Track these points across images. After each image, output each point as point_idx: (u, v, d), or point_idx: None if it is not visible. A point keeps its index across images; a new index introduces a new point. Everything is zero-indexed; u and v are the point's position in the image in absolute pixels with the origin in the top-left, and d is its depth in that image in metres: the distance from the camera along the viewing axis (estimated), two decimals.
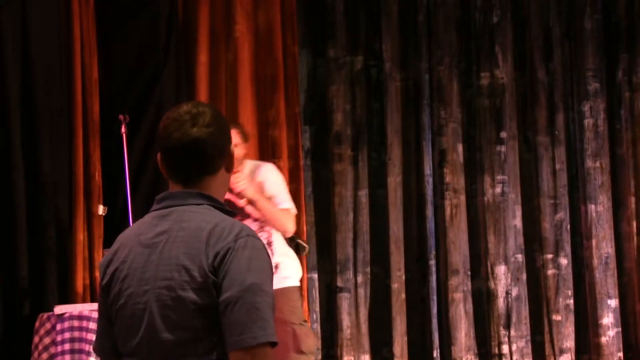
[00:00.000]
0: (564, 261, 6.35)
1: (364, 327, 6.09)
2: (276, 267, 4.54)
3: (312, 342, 4.74)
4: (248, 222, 4.50)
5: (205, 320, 2.22)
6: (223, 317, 2.19)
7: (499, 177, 6.33)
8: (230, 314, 2.19)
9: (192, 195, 2.33)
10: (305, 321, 4.79)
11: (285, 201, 4.61)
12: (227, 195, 4.50)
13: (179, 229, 2.30)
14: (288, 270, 4.68)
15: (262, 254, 2.26)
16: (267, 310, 2.20)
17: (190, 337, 2.22)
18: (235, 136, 4.50)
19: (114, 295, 2.33)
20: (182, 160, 2.33)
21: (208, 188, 2.35)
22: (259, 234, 4.48)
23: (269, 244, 4.59)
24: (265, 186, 4.57)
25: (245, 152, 4.62)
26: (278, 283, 4.57)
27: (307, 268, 5.92)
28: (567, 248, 6.36)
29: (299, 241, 4.89)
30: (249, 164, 4.65)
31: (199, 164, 2.33)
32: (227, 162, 2.38)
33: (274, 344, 2.20)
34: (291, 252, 4.77)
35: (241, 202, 4.49)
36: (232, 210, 2.40)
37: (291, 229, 4.61)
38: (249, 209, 4.50)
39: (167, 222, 2.32)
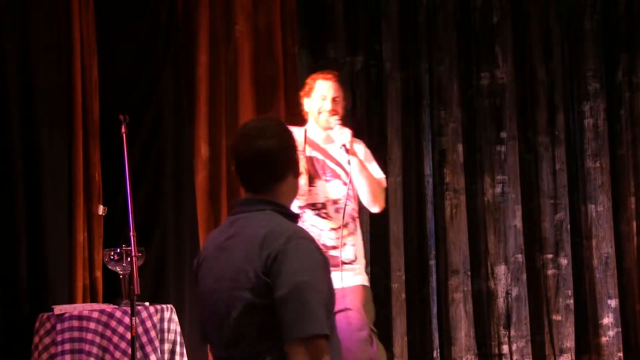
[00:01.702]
0: (564, 261, 6.35)
1: None
2: (355, 258, 4.27)
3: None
4: (334, 185, 4.29)
5: (262, 318, 2.45)
6: (278, 314, 2.42)
7: (499, 177, 6.33)
8: (284, 310, 2.41)
9: (257, 202, 2.60)
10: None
11: (379, 171, 4.38)
12: (328, 148, 4.29)
13: (242, 234, 2.57)
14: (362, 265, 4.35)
15: (314, 254, 2.48)
16: (317, 306, 2.40)
17: (249, 334, 2.47)
18: (337, 88, 4.33)
19: (199, 291, 2.68)
20: (250, 170, 2.63)
21: (275, 194, 2.62)
22: (346, 205, 4.16)
23: (354, 219, 4.28)
24: (365, 157, 4.34)
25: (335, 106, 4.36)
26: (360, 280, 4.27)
27: None
28: (567, 248, 6.36)
29: None
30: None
31: (265, 173, 2.61)
32: (293, 169, 2.67)
33: (326, 337, 2.40)
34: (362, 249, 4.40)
35: (345, 157, 4.24)
36: (294, 214, 2.67)
37: (382, 204, 4.35)
38: (347, 167, 4.24)
39: (234, 228, 2.61)
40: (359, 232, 4.39)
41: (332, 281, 2.55)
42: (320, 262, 2.49)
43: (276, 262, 2.45)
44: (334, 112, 4.38)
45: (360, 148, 4.42)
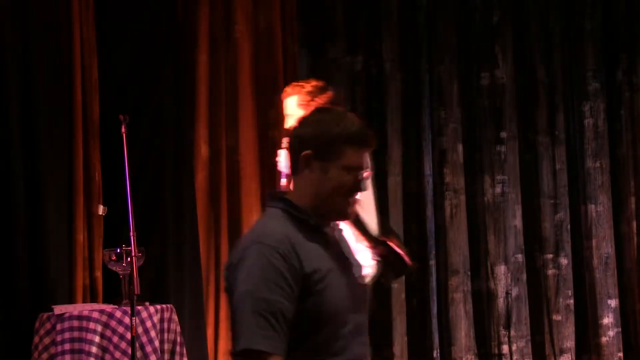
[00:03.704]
0: (564, 261, 6.35)
1: None
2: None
3: None
4: None
5: None
6: None
7: (499, 177, 6.33)
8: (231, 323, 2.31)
9: (273, 197, 2.47)
10: None
11: None
12: None
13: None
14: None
15: (264, 260, 2.27)
16: (253, 317, 2.21)
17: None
18: (289, 106, 4.13)
19: None
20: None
21: (294, 188, 2.45)
22: None
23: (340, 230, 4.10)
24: None
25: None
26: None
27: None
28: (567, 248, 6.36)
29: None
30: None
31: (290, 164, 2.47)
32: (314, 163, 2.39)
33: (260, 351, 2.20)
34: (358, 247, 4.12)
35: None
36: (304, 216, 2.40)
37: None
38: None
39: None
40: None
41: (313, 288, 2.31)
42: (271, 267, 2.26)
43: (233, 271, 2.31)
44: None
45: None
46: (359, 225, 4.10)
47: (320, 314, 2.29)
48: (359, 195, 2.60)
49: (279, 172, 4.34)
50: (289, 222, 2.37)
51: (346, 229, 4.04)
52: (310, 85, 4.31)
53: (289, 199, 2.41)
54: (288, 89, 4.33)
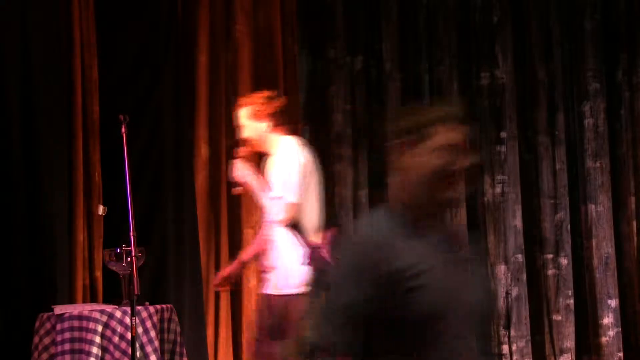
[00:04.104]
0: (564, 261, 6.34)
1: None
2: (267, 268, 4.27)
3: None
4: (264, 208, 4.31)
5: None
6: None
7: (499, 177, 6.33)
8: None
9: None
10: None
11: (276, 188, 4.23)
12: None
13: None
14: (275, 275, 4.28)
15: (350, 255, 2.23)
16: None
17: None
18: (239, 118, 4.27)
19: None
20: None
21: (396, 185, 2.32)
22: (269, 227, 4.25)
23: (270, 239, 4.26)
24: (269, 171, 4.32)
25: (256, 133, 4.29)
26: (266, 288, 4.27)
27: None
28: (567, 248, 6.36)
29: None
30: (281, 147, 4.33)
31: None
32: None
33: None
34: (291, 257, 4.22)
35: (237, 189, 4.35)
36: (405, 213, 2.27)
37: (279, 217, 4.19)
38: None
39: None
40: (276, 242, 4.30)
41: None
42: (354, 266, 2.21)
43: None
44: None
45: (272, 164, 4.36)
46: (294, 228, 4.10)
47: (412, 314, 2.18)
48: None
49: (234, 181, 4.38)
50: (393, 220, 2.26)
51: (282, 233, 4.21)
52: (260, 96, 4.44)
53: (395, 196, 2.29)
54: (240, 101, 4.43)
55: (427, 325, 2.19)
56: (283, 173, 4.26)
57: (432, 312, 2.19)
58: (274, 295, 4.23)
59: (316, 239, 4.20)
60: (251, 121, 4.30)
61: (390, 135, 2.29)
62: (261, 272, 4.38)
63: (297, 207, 4.24)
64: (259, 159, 4.50)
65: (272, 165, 4.31)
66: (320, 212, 4.41)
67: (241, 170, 4.32)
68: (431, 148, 2.26)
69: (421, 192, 2.27)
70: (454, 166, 2.28)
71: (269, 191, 4.25)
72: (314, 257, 4.12)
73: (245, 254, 4.48)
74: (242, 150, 4.39)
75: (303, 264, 4.15)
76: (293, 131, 4.58)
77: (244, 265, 4.52)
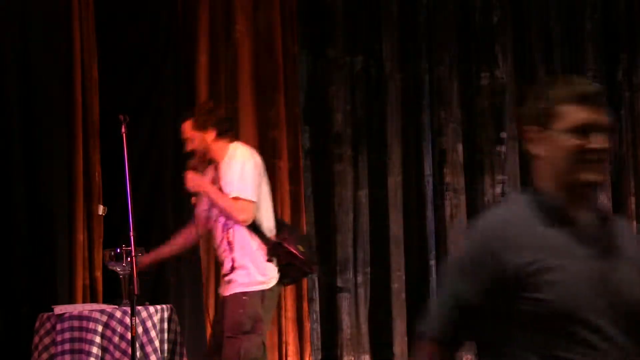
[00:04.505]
0: None
1: (364, 328, 6.09)
2: (233, 270, 4.36)
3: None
4: (214, 214, 4.39)
5: None
6: None
7: (499, 178, 6.32)
8: None
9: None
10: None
11: (230, 188, 4.30)
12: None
13: None
14: (243, 275, 4.35)
15: (468, 245, 2.14)
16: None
17: None
18: (185, 131, 4.39)
19: None
20: None
21: (534, 174, 2.18)
22: (219, 230, 4.40)
23: (229, 243, 4.35)
24: (222, 176, 4.38)
25: (203, 143, 4.38)
26: (232, 289, 4.34)
27: None
28: None
29: (304, 254, 4.48)
30: (231, 153, 4.42)
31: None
32: (530, 142, 2.16)
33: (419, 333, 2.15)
34: (257, 254, 4.35)
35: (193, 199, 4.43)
36: (548, 202, 2.13)
37: (239, 217, 4.27)
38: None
39: None
40: (237, 243, 4.38)
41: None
42: (468, 254, 2.12)
43: None
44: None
45: (225, 167, 4.41)
46: (254, 227, 4.31)
47: (536, 310, 2.04)
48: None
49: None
50: (530, 208, 2.12)
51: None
52: (203, 107, 4.62)
53: (536, 185, 2.14)
54: (187, 115, 4.49)
55: (557, 323, 2.05)
56: (238, 174, 4.34)
57: (562, 310, 2.04)
58: (242, 292, 4.30)
59: (274, 235, 4.40)
60: (197, 132, 4.38)
61: (521, 119, 2.18)
62: (224, 275, 4.42)
63: (255, 206, 4.32)
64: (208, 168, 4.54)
65: (226, 169, 4.38)
66: (274, 211, 4.51)
67: (194, 180, 4.38)
68: (564, 129, 2.10)
69: (559, 176, 2.12)
70: (590, 146, 2.09)
71: (227, 193, 4.31)
72: (278, 252, 4.35)
73: (169, 248, 4.56)
74: (192, 162, 4.45)
75: (268, 260, 4.34)
76: (237, 137, 4.66)
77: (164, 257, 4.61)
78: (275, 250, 4.38)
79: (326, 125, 6.14)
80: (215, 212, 4.39)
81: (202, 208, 4.47)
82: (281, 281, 4.45)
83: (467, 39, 6.39)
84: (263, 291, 4.34)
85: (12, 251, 4.78)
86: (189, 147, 4.43)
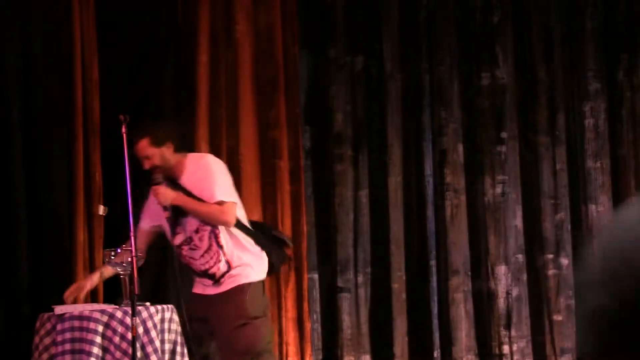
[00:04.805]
0: (564, 261, 6.34)
1: (365, 328, 6.09)
2: (230, 270, 4.45)
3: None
4: (194, 225, 4.45)
5: None
6: None
7: (499, 178, 6.32)
8: None
9: None
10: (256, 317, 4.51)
11: (213, 194, 4.39)
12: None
13: None
14: (241, 273, 4.48)
15: None
16: None
17: None
18: (142, 149, 4.41)
19: None
20: None
21: None
22: (205, 237, 4.45)
23: (220, 246, 4.43)
24: (194, 185, 4.44)
25: (162, 159, 4.45)
26: (230, 285, 4.46)
27: (307, 268, 5.93)
28: (568, 248, 6.35)
29: (277, 235, 4.75)
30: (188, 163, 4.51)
31: None
32: None
33: None
34: (249, 250, 4.52)
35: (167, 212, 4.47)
36: None
37: (227, 220, 4.39)
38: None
39: None
40: (229, 245, 4.49)
41: None
42: None
43: None
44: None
45: (193, 176, 4.48)
46: (239, 225, 4.46)
47: None
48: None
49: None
50: None
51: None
52: (157, 124, 4.73)
53: None
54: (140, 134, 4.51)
55: None
56: (215, 179, 4.43)
57: None
58: (246, 284, 4.45)
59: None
60: (155, 149, 4.42)
61: None
62: (216, 277, 4.47)
63: (236, 207, 4.45)
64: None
65: (200, 178, 4.45)
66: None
67: (167, 194, 4.42)
68: None
69: None
70: None
71: (208, 199, 4.38)
72: (262, 242, 4.52)
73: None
74: (156, 178, 4.47)
75: (258, 256, 4.48)
76: (194, 148, 4.79)
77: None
78: (259, 240, 4.56)
79: (326, 125, 6.14)
80: (193, 222, 4.43)
81: (166, 221, 4.51)
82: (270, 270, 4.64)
83: (468, 39, 6.39)
84: (262, 281, 4.54)
85: (13, 251, 4.78)
86: (148, 164, 4.43)
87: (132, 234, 4.16)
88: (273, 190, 5.85)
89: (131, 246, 4.15)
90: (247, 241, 4.52)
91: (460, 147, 6.29)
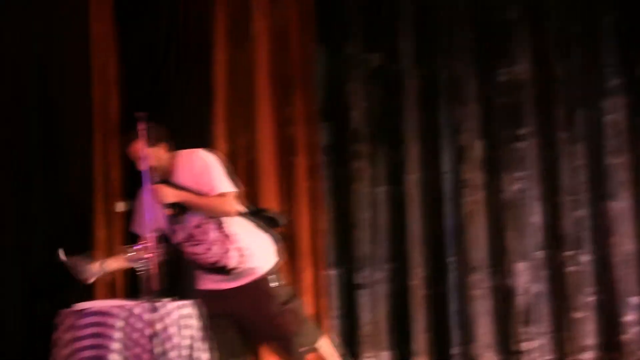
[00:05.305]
0: (584, 258, 6.31)
1: (383, 324, 6.09)
2: (242, 258, 4.53)
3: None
4: (194, 221, 4.47)
5: None
6: None
7: (518, 174, 6.30)
8: None
9: None
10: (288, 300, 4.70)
11: (214, 187, 4.52)
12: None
13: None
14: (254, 260, 4.63)
15: None
16: None
17: None
18: (137, 150, 4.45)
19: None
20: None
21: None
22: (210, 229, 4.49)
23: (227, 236, 4.53)
24: (191, 180, 4.51)
25: (158, 159, 4.52)
26: (248, 277, 4.58)
27: (326, 265, 5.93)
28: (588, 245, 6.32)
29: (270, 215, 4.82)
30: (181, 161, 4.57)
31: None
32: None
33: None
34: (256, 236, 4.67)
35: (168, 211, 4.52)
36: None
37: (230, 210, 4.53)
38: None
39: None
40: (237, 233, 4.60)
41: None
42: None
43: None
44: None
45: (187, 171, 4.57)
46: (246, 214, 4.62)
47: None
48: None
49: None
50: None
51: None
52: (149, 125, 4.60)
53: None
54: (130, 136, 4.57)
55: None
56: (213, 172, 4.55)
57: None
58: (263, 275, 4.60)
59: None
60: (149, 149, 4.44)
61: None
62: (228, 270, 4.49)
63: (235, 196, 4.56)
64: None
65: (197, 173, 4.53)
66: None
67: (169, 192, 4.48)
68: None
69: None
70: None
71: (207, 192, 4.47)
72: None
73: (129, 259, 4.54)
74: (155, 178, 4.51)
75: (265, 241, 4.60)
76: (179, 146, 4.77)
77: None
78: (260, 224, 4.68)
79: (344, 122, 6.14)
80: (194, 218, 4.46)
81: (164, 221, 4.57)
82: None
83: (485, 35, 6.38)
84: (276, 265, 4.69)
85: (33, 248, 4.80)
86: (144, 165, 4.43)
87: (150, 230, 4.18)
88: (291, 187, 5.86)
89: (150, 242, 4.16)
90: (251, 227, 4.62)
91: (478, 144, 6.27)
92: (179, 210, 4.52)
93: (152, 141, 4.47)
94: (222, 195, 4.50)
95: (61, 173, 5.01)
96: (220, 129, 5.65)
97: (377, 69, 6.21)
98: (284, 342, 4.66)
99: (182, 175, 4.53)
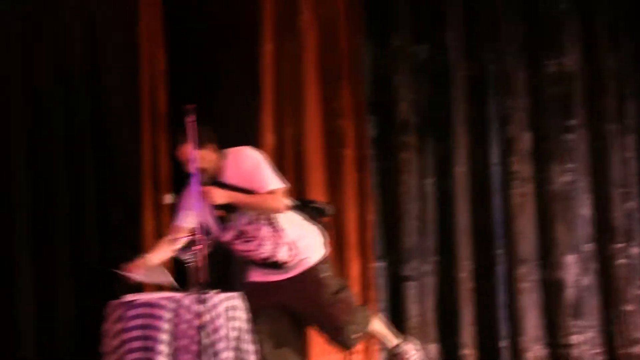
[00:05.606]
0: (635, 250, 6.24)
1: (430, 316, 6.08)
2: (293, 252, 4.58)
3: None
4: (245, 218, 4.54)
5: None
6: None
7: (567, 166, 6.25)
8: None
9: None
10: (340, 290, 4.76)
11: (264, 184, 4.55)
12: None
13: None
14: (304, 251, 4.68)
15: None
16: None
17: None
18: (186, 153, 4.45)
19: None
20: None
21: None
22: (261, 226, 4.53)
23: (277, 232, 4.58)
24: (241, 179, 4.55)
25: (209, 160, 4.55)
26: (299, 268, 4.64)
27: (373, 257, 5.93)
28: (638, 237, 6.26)
29: (317, 206, 4.85)
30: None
31: None
32: None
33: None
34: (305, 229, 4.71)
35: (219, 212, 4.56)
36: None
37: (280, 207, 4.56)
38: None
39: None
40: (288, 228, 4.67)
41: None
42: None
43: None
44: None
45: (235, 170, 4.60)
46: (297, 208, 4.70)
47: None
48: None
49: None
50: None
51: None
52: (199, 127, 4.59)
53: None
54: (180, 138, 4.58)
55: None
56: (262, 169, 4.58)
57: None
58: (313, 265, 4.65)
59: None
60: (201, 151, 4.47)
61: None
62: (280, 264, 4.57)
63: (285, 191, 4.61)
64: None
65: (247, 171, 4.56)
66: None
67: (220, 193, 4.51)
68: None
69: None
70: None
71: (258, 190, 4.51)
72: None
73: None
74: (204, 179, 4.52)
75: (315, 233, 4.67)
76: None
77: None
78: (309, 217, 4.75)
79: (391, 114, 6.13)
80: (245, 216, 4.54)
81: (212, 220, 4.61)
82: None
83: (533, 27, 6.32)
84: (326, 256, 4.75)
85: (83, 240, 4.86)
86: (195, 167, 4.42)
87: (198, 222, 4.22)
88: (338, 179, 5.86)
89: (197, 235, 4.19)
90: (300, 219, 4.68)
91: (527, 136, 6.23)
92: (230, 209, 4.56)
93: (201, 143, 4.48)
94: (271, 192, 4.53)
95: (110, 166, 5.06)
96: (267, 121, 5.67)
97: (424, 60, 6.19)
98: (337, 331, 4.71)
99: (231, 175, 4.56)
